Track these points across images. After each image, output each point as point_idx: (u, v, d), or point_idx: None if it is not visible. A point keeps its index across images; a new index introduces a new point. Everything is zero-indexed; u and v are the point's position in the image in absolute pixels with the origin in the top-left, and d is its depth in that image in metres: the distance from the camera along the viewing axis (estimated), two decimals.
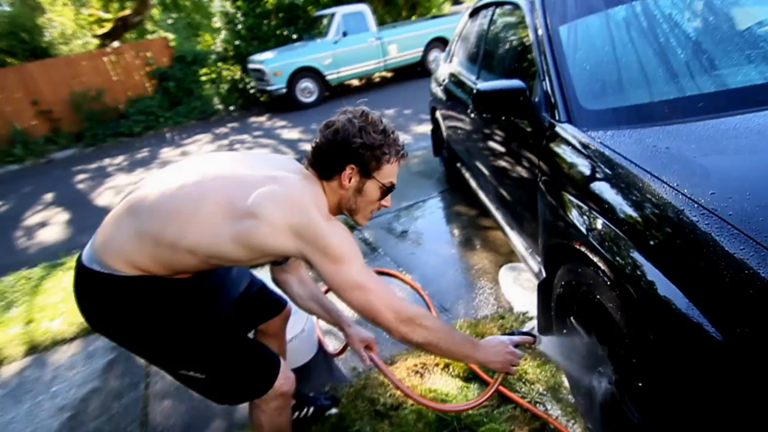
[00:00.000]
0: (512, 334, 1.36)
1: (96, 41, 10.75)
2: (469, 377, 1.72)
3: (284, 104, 8.18)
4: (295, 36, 9.35)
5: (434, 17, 9.75)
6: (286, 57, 7.87)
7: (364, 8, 8.25)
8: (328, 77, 8.14)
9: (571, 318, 1.42)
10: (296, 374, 1.89)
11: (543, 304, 1.58)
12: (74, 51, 9.66)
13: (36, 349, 2.45)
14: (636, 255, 0.98)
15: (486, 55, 2.42)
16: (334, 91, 9.07)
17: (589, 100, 1.44)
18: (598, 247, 1.10)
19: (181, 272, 1.11)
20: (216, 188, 1.04)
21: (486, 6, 2.56)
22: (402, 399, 1.66)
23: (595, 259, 1.13)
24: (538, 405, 1.55)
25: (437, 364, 1.79)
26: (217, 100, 9.28)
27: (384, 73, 9.71)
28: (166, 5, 12.14)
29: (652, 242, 0.96)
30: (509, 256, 2.48)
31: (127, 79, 8.83)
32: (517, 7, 1.94)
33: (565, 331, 1.47)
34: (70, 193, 5.76)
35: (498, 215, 2.30)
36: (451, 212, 3.27)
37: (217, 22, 10.49)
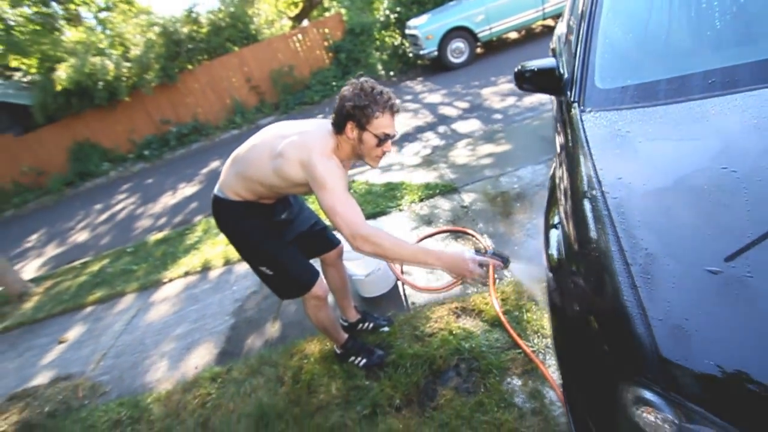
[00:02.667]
0: (485, 254, 1.53)
1: (289, 23, 12.79)
2: (495, 324, 2.00)
3: (438, 66, 8.50)
4: None
5: None
6: (437, 19, 8.09)
7: None
8: (481, 35, 8.07)
9: None
10: (371, 301, 2.50)
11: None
12: (274, 34, 11.75)
13: (229, 262, 3.66)
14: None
15: (574, 19, 2.36)
16: (489, 48, 8.91)
17: (606, 79, 1.49)
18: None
19: (264, 198, 1.75)
20: (268, 142, 1.65)
21: None
22: (435, 330, 2.08)
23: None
24: (539, 354, 1.77)
25: (473, 309, 2.12)
26: (380, 67, 10.16)
27: (547, 22, 8.99)
28: None
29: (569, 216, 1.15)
30: None
31: (310, 54, 10.43)
32: None
33: None
34: None
35: None
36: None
37: None
